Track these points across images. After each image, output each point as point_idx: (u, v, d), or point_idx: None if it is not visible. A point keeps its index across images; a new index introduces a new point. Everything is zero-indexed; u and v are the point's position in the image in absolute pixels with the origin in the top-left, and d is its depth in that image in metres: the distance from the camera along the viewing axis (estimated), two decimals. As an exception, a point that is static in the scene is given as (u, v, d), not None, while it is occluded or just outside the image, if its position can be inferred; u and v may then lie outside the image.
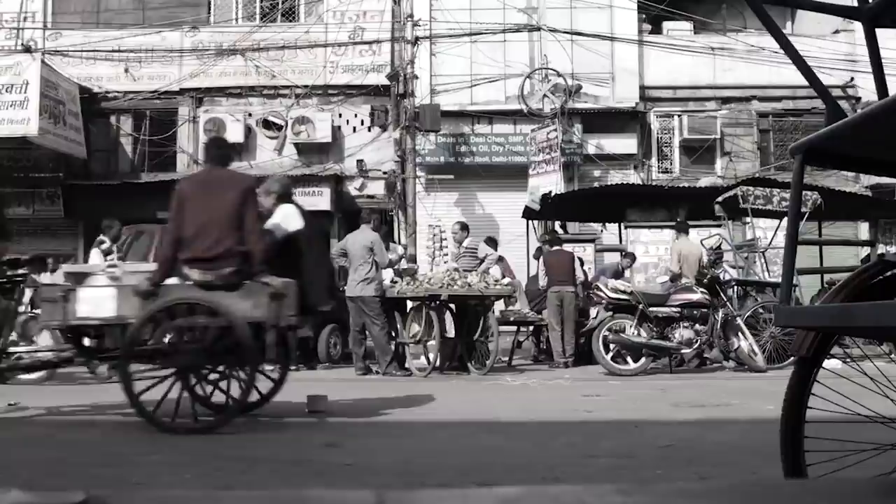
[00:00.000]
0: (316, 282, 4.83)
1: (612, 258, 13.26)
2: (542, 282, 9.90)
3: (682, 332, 8.31)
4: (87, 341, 4.84)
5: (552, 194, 12.86)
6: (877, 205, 13.25)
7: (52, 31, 15.71)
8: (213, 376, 4.69)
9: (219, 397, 4.66)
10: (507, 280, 9.53)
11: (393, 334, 8.73)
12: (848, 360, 1.98)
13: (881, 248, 13.18)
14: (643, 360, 8.25)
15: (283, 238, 4.80)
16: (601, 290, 8.62)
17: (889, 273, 1.68)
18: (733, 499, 1.49)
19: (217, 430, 4.22)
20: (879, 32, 1.67)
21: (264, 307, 4.34)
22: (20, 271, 5.39)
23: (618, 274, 10.72)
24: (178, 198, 4.54)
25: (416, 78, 14.61)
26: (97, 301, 4.52)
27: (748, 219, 10.89)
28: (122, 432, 4.37)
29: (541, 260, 10.27)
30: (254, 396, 4.72)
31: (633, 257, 11.26)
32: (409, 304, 8.89)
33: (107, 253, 8.46)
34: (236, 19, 15.92)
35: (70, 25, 15.82)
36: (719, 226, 11.40)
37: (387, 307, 8.62)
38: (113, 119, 15.79)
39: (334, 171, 15.19)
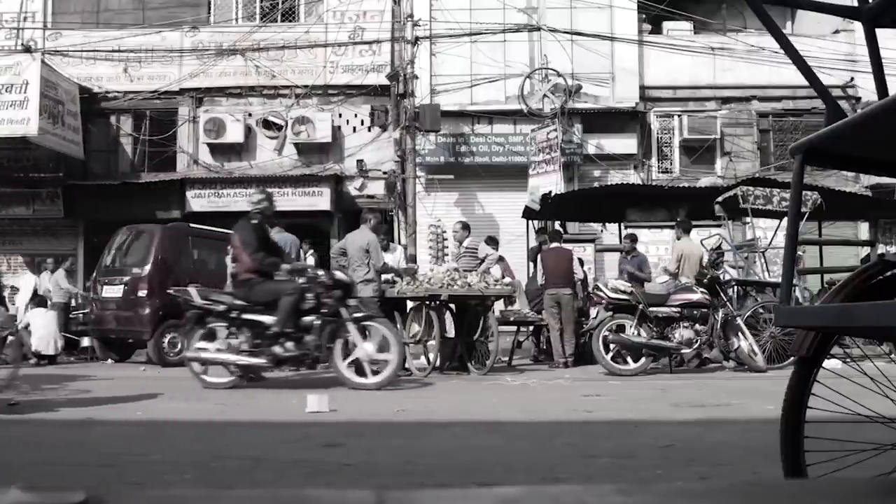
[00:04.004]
0: None
1: (612, 258, 13.26)
2: (540, 280, 9.87)
3: (682, 332, 8.30)
4: None
5: (552, 194, 12.86)
6: (877, 205, 13.26)
7: (52, 31, 15.72)
8: None
9: None
10: (507, 280, 9.52)
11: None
12: (848, 360, 1.98)
13: (881, 248, 13.20)
14: (643, 360, 8.24)
15: None
16: (601, 290, 8.62)
17: (889, 273, 1.68)
18: (733, 499, 1.49)
19: None
20: (879, 32, 1.67)
21: None
22: None
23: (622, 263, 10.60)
24: None
25: (416, 78, 14.62)
26: None
27: (748, 219, 10.89)
28: (122, 432, 4.37)
29: (538, 258, 10.23)
30: None
31: (632, 238, 11.04)
32: (409, 304, 8.88)
33: None
34: (236, 19, 15.93)
35: (70, 25, 15.83)
36: (719, 226, 11.40)
37: (386, 307, 8.61)
38: (113, 119, 15.80)
39: (334, 171, 15.20)
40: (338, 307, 6.62)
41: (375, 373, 6.56)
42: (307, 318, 6.55)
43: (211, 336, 6.72)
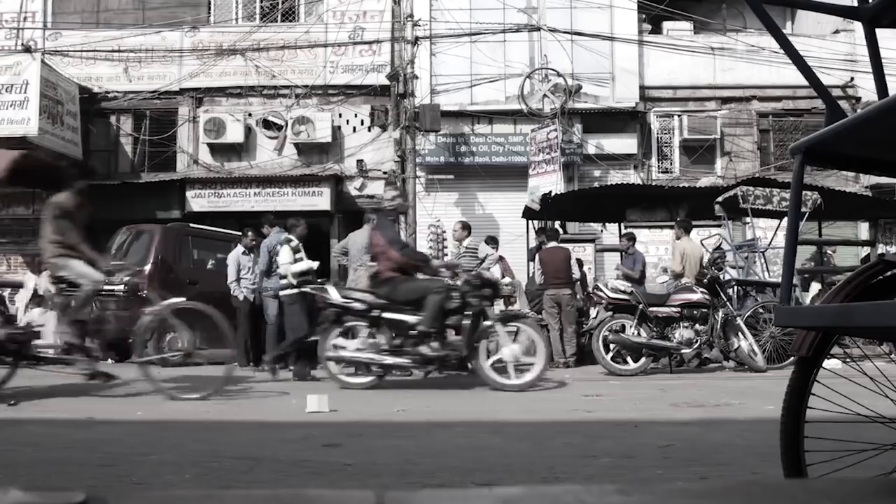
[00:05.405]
0: None
1: (612, 258, 13.25)
2: (539, 280, 9.86)
3: (682, 332, 8.31)
4: None
5: (552, 194, 12.87)
6: (877, 205, 13.25)
7: (52, 31, 15.72)
8: None
9: None
10: (507, 280, 9.53)
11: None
12: (848, 360, 1.98)
13: (881, 248, 13.19)
14: (643, 360, 8.25)
15: None
16: (601, 290, 8.63)
17: (889, 273, 1.68)
18: (733, 499, 1.49)
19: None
20: (879, 32, 1.68)
21: None
22: None
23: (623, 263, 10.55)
24: None
25: (416, 78, 14.62)
26: None
27: (748, 219, 10.89)
28: (122, 432, 4.36)
29: (537, 258, 10.22)
30: None
31: (629, 237, 10.96)
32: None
33: (296, 251, 8.49)
34: (236, 19, 15.93)
35: (70, 25, 15.83)
36: (719, 226, 11.40)
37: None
38: (113, 119, 15.79)
39: (334, 171, 15.20)
40: (483, 307, 6.49)
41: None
42: (453, 318, 6.44)
43: (348, 335, 6.59)
